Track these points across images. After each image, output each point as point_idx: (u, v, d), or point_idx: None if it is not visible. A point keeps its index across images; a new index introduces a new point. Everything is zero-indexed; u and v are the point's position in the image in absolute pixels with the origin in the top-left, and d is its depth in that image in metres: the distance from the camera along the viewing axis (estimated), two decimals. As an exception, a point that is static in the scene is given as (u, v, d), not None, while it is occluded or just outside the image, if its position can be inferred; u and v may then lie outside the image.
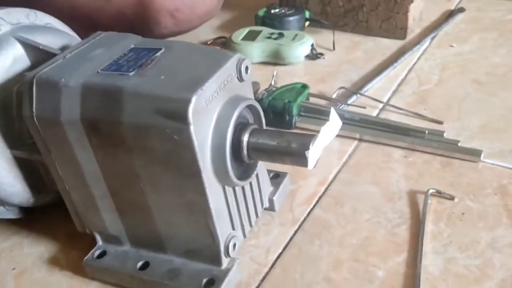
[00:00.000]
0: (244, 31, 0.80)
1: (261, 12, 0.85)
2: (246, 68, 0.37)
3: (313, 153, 0.34)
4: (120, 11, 0.73)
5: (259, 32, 0.79)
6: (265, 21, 0.83)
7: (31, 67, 0.42)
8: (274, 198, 0.46)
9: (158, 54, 0.37)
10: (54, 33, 0.45)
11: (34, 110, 0.36)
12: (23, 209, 0.47)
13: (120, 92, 0.34)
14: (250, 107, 0.38)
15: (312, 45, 0.76)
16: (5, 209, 0.46)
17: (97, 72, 0.36)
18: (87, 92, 0.35)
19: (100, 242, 0.43)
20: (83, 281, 0.43)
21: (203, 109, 0.33)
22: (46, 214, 0.49)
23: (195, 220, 0.37)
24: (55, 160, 0.38)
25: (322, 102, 0.64)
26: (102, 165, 0.37)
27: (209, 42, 0.84)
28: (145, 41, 0.41)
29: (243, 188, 0.40)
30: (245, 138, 0.36)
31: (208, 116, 0.34)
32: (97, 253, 0.42)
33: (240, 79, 0.37)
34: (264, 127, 0.40)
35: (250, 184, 0.41)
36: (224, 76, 0.35)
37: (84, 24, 0.67)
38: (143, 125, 0.33)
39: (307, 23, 0.85)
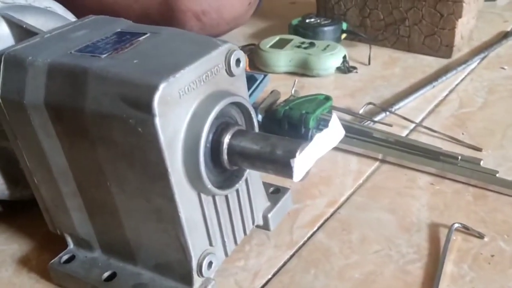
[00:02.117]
0: (274, 38, 0.76)
1: (295, 21, 0.80)
2: (238, 60, 0.32)
3: (301, 162, 0.28)
4: (146, 11, 0.71)
5: (290, 40, 0.75)
6: (297, 30, 0.78)
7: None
8: (269, 215, 0.40)
9: (141, 38, 0.33)
10: (50, 15, 0.42)
11: (0, 90, 0.33)
12: (2, 202, 0.43)
13: (84, 74, 0.29)
14: (239, 106, 0.33)
15: (344, 57, 0.70)
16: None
17: (70, 52, 0.32)
18: (53, 73, 0.31)
19: (71, 245, 0.39)
20: (48, 287, 0.39)
21: (174, 100, 0.28)
22: (26, 210, 0.45)
23: (164, 230, 0.32)
24: (23, 149, 0.35)
25: (346, 117, 0.58)
26: (69, 157, 0.33)
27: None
28: (134, 25, 0.37)
29: (226, 198, 0.35)
30: (226, 139, 0.31)
31: (181, 110, 0.29)
32: (65, 257, 0.38)
33: (230, 73, 0.32)
34: (256, 130, 0.34)
35: (238, 195, 0.36)
36: (207, 66, 0.31)
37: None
38: (106, 113, 0.29)
39: (343, 35, 0.79)
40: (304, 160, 0.28)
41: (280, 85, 0.65)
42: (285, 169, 0.29)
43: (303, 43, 0.73)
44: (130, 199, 0.32)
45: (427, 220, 0.42)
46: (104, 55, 0.31)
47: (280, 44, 0.74)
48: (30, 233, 0.44)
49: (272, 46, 0.74)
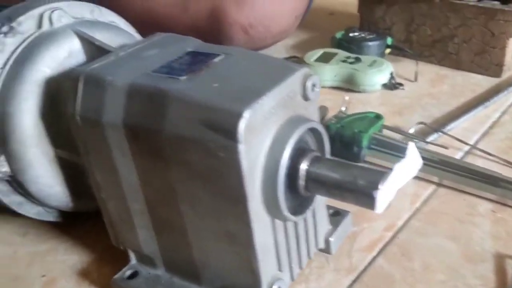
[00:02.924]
0: (318, 52, 0.76)
1: (338, 35, 0.80)
2: (313, 85, 0.32)
3: (384, 194, 0.28)
4: (195, 22, 0.71)
5: (334, 54, 0.74)
6: (341, 44, 0.78)
7: (85, 63, 0.39)
8: (331, 239, 0.39)
9: (216, 60, 0.33)
10: (115, 31, 0.43)
11: (77, 108, 0.33)
12: (64, 213, 0.44)
13: (164, 96, 0.30)
14: (313, 131, 0.33)
15: (391, 73, 0.69)
16: (44, 210, 0.43)
17: (147, 73, 0.33)
18: (133, 94, 0.31)
19: (133, 261, 0.39)
20: (110, 301, 0.39)
21: (257, 126, 0.28)
22: (88, 221, 0.46)
23: (236, 253, 0.32)
24: (94, 164, 0.35)
25: (397, 136, 0.57)
26: (141, 175, 0.33)
27: (280, 62, 0.80)
28: (204, 45, 0.37)
29: (295, 223, 0.34)
30: (304, 166, 0.31)
31: (262, 136, 0.29)
32: (128, 273, 0.38)
33: (305, 97, 0.32)
34: (328, 156, 0.34)
35: (305, 219, 0.35)
36: (286, 91, 0.30)
37: (159, 31, 0.66)
38: (185, 136, 0.29)
39: (388, 50, 0.78)
40: (386, 191, 0.28)
41: (325, 100, 0.65)
42: (368, 200, 0.28)
43: (348, 57, 0.73)
44: (201, 220, 0.32)
45: (491, 249, 0.41)
46: (182, 77, 0.31)
47: (325, 58, 0.74)
48: (89, 245, 0.45)
49: (317, 60, 0.73)
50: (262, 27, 0.70)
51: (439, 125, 0.59)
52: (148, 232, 0.36)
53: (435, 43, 0.75)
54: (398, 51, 0.78)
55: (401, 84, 0.70)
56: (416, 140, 0.56)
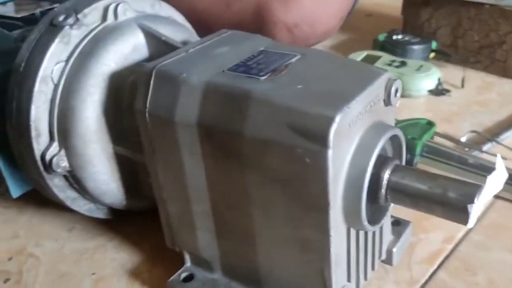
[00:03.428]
0: (362, 54, 0.74)
1: (381, 37, 0.78)
2: (396, 90, 0.31)
3: (477, 208, 0.26)
4: (238, 19, 0.70)
5: (378, 57, 0.73)
6: (385, 46, 0.76)
7: (149, 58, 0.38)
8: (394, 249, 0.38)
9: (293, 60, 0.32)
10: (175, 26, 0.42)
11: (147, 104, 0.32)
12: (113, 210, 0.43)
13: (246, 97, 0.28)
14: (391, 138, 0.31)
15: (439, 79, 0.68)
16: (95, 207, 0.42)
17: (223, 71, 0.31)
18: (209, 93, 0.30)
19: (188, 263, 0.38)
20: (164, 303, 0.38)
21: (345, 131, 0.27)
22: (136, 219, 0.45)
23: (307, 262, 0.31)
24: (158, 164, 0.34)
25: (449, 143, 0.55)
26: (210, 177, 0.32)
27: (320, 62, 0.78)
28: (276, 44, 0.36)
29: (366, 233, 0.33)
30: (386, 175, 0.29)
31: (348, 142, 0.28)
32: (183, 275, 0.37)
33: (387, 102, 0.31)
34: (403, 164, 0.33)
35: (373, 229, 0.34)
36: (372, 96, 0.29)
37: (201, 28, 0.65)
38: (268, 139, 0.28)
39: (432, 54, 0.76)
40: (479, 205, 0.27)
41: (371, 104, 0.63)
42: (460, 214, 0.27)
43: (393, 61, 0.71)
44: (273, 225, 0.31)
45: (559, 267, 0.39)
46: (262, 78, 0.30)
47: (370, 61, 0.72)
48: (138, 244, 0.44)
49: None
50: (307, 27, 0.69)
51: (492, 134, 0.57)
52: (209, 235, 0.35)
53: (482, 49, 0.73)
54: (442, 56, 0.76)
55: (448, 91, 0.68)
56: (469, 149, 0.54)
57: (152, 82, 0.32)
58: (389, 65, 0.70)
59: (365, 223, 0.29)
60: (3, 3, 0.50)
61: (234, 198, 0.32)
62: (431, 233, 0.44)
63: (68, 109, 0.36)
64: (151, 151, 0.34)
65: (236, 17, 0.71)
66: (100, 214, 0.43)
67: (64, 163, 0.37)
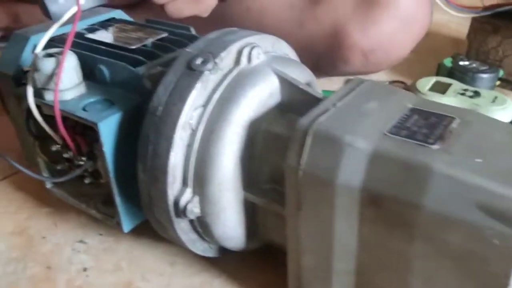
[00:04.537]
0: (430, 80, 0.73)
1: (447, 62, 0.77)
2: None
3: None
4: (311, 41, 0.69)
5: (449, 85, 0.72)
6: (453, 73, 0.75)
7: (282, 105, 0.38)
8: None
9: (454, 125, 0.31)
10: (296, 66, 0.41)
11: (302, 162, 0.32)
12: (223, 249, 0.43)
13: (426, 170, 0.28)
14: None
15: (514, 112, 0.67)
16: (209, 247, 0.42)
17: (385, 134, 0.31)
18: (378, 159, 0.30)
19: (310, 312, 0.38)
20: None
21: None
22: (234, 256, 0.44)
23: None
24: (302, 218, 0.34)
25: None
26: (364, 239, 0.32)
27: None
28: (423, 102, 0.35)
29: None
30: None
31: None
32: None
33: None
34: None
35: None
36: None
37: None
38: (451, 215, 0.27)
39: (497, 82, 0.76)
40: None
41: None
42: None
43: (466, 90, 0.70)
44: (429, 296, 0.31)
45: None
46: (434, 146, 0.29)
47: (440, 88, 0.71)
48: (243, 282, 0.43)
49: (431, 90, 0.71)
50: (382, 53, 0.68)
51: None
52: (346, 291, 0.35)
53: (552, 80, 0.73)
54: (507, 85, 0.76)
55: (521, 123, 0.67)
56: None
57: (309, 140, 0.31)
58: (462, 94, 0.69)
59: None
60: (92, 30, 0.49)
61: (390, 263, 0.31)
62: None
63: (207, 156, 0.35)
64: (296, 206, 0.33)
65: (309, 38, 0.70)
66: (212, 253, 0.42)
67: (197, 210, 0.36)
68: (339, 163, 0.31)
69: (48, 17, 0.47)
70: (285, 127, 0.36)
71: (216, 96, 0.36)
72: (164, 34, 0.46)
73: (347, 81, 0.38)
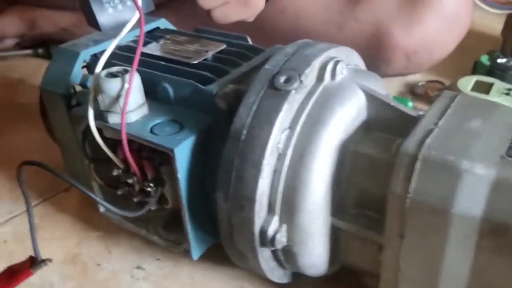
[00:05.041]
0: (471, 80, 0.71)
1: (484, 59, 0.75)
2: None
3: None
4: (351, 42, 0.66)
5: (490, 84, 0.70)
6: (492, 71, 0.73)
7: (367, 122, 0.35)
8: None
9: None
10: (374, 79, 0.38)
11: (410, 190, 0.29)
12: (296, 273, 0.40)
13: None
14: None
15: (562, 111, 0.65)
16: (284, 273, 0.39)
17: (503, 157, 0.29)
18: (501, 187, 0.27)
19: None
20: None
21: None
22: (312, 280, 0.42)
23: None
24: (404, 248, 0.31)
25: None
26: (478, 269, 0.30)
27: (420, 84, 0.75)
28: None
29: None
30: None
31: None
32: None
33: None
34: None
35: None
36: None
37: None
38: None
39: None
40: None
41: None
42: None
43: (510, 90, 0.68)
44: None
45: None
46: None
47: (482, 88, 0.69)
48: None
49: (473, 90, 0.69)
50: (425, 54, 0.66)
51: None
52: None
53: None
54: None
55: None
56: None
57: (418, 166, 0.29)
58: (507, 94, 0.67)
59: None
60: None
61: (508, 293, 0.29)
62: None
63: (298, 182, 0.33)
64: (399, 235, 0.31)
65: (349, 40, 0.67)
66: (287, 279, 0.40)
67: (284, 239, 0.34)
68: (456, 191, 0.28)
69: (96, 28, 0.43)
70: (375, 147, 0.34)
71: (303, 117, 0.33)
72: (223, 46, 0.43)
73: (435, 96, 0.35)
